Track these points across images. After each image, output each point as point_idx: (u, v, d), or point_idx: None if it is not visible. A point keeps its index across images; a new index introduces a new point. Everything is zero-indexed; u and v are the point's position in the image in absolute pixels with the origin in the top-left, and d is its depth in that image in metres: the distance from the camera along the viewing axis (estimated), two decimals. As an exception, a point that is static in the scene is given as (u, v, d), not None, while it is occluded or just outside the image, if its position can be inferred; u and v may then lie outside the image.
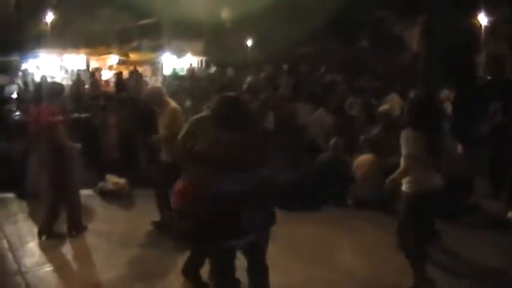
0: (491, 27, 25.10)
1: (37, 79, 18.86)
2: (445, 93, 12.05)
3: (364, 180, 8.11)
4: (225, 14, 25.48)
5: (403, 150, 5.11)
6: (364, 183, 8.08)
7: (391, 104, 10.43)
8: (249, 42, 31.89)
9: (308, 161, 8.95)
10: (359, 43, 24.86)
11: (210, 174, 4.04)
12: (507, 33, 23.91)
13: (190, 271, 5.30)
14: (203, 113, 5.87)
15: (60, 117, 6.76)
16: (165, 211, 6.89)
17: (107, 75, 23.24)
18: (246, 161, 4.00)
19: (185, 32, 27.46)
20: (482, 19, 24.73)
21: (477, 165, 8.54)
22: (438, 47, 17.57)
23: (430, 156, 5.08)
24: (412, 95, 5.50)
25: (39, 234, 6.88)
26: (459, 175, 7.29)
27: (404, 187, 5.21)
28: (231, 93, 4.47)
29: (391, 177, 5.30)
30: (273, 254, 4.52)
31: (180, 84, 17.07)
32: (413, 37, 23.57)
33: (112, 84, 19.53)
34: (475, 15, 23.20)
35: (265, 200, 4.18)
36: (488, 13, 24.75)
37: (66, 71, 24.13)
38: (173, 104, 7.11)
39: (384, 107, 9.54)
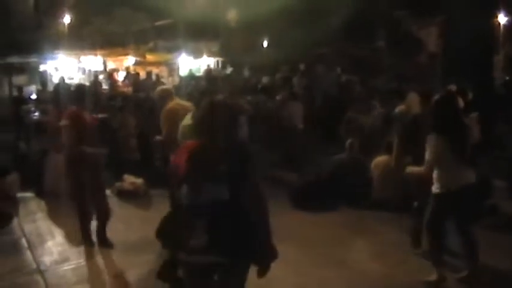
0: (510, 27, 24.90)
1: (55, 80, 19.05)
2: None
3: (380, 182, 8.09)
4: (241, 14, 25.50)
5: (427, 155, 5.14)
6: (381, 184, 8.06)
7: (410, 104, 10.36)
8: (265, 43, 31.92)
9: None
10: (375, 43, 24.76)
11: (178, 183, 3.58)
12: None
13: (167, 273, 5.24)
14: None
15: (67, 122, 6.48)
16: None
17: (123, 76, 23.38)
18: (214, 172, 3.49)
19: (201, 33, 27.54)
20: (502, 19, 24.53)
21: (496, 167, 8.49)
22: (456, 47, 17.46)
23: (458, 155, 5.12)
24: (434, 98, 5.45)
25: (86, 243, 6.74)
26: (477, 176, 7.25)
27: (434, 188, 5.26)
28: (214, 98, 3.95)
29: (412, 169, 5.51)
30: (289, 254, 4.51)
31: (197, 84, 17.12)
32: (430, 37, 23.48)
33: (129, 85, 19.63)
34: (493, 15, 23.01)
35: (246, 225, 3.52)
36: (508, 12, 24.53)
37: (84, 72, 24.38)
38: (172, 103, 6.87)
39: (401, 108, 9.51)
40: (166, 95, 7.15)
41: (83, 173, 6.52)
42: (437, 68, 19.42)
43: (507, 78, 20.38)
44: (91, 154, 6.48)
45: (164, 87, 8.50)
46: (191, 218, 3.50)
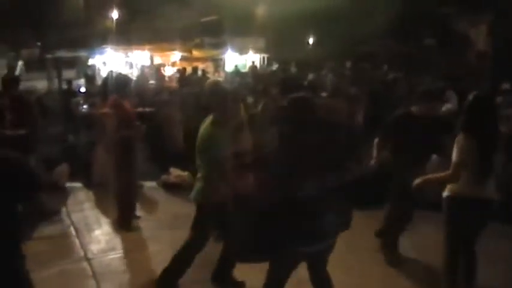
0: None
1: (104, 74, 19.37)
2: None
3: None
4: (287, 11, 25.45)
5: (454, 156, 4.78)
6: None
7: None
8: (311, 40, 31.79)
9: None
10: (423, 41, 24.37)
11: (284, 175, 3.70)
12: None
13: (168, 281, 5.27)
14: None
15: (109, 110, 6.96)
16: None
17: (169, 71, 23.64)
18: (322, 162, 3.72)
19: (247, 29, 27.61)
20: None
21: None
22: (506, 45, 17.10)
23: (482, 163, 4.74)
24: (469, 97, 5.01)
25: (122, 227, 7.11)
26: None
27: (445, 191, 4.95)
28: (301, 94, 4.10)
29: (428, 177, 5.04)
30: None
31: (242, 81, 17.18)
32: (479, 35, 23.00)
33: (175, 79, 19.82)
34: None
35: (342, 202, 3.90)
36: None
37: (131, 66, 24.72)
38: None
39: (447, 107, 9.43)
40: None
41: (124, 157, 6.90)
42: (487, 66, 19.09)
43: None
44: (129, 137, 6.88)
45: (216, 79, 8.29)
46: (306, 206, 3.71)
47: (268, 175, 3.68)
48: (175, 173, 9.18)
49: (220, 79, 15.49)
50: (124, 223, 7.13)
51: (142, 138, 7.75)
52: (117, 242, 6.70)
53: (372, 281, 5.75)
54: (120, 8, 28.57)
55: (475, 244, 4.99)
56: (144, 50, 24.88)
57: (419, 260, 6.29)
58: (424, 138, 5.83)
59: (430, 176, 5.07)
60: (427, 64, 18.91)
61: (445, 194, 4.94)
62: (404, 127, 5.90)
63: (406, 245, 6.47)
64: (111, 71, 18.32)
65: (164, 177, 9.18)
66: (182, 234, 5.83)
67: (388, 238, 6.39)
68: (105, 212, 7.71)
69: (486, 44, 21.86)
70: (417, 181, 4.98)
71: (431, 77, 14.54)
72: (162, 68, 22.20)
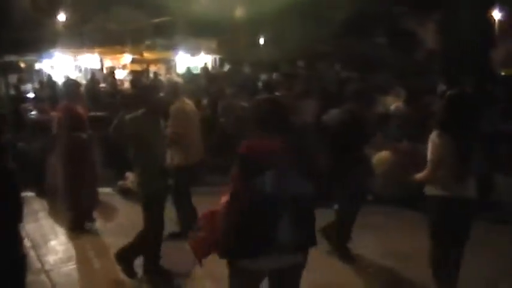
0: (509, 22, 24.98)
1: (53, 78, 18.97)
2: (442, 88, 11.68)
3: (384, 177, 8.05)
4: (239, 11, 25.44)
5: (429, 154, 4.76)
6: (385, 180, 8.02)
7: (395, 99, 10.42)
8: (264, 40, 31.81)
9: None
10: (375, 40, 24.74)
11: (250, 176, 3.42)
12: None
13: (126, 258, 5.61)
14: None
15: (61, 115, 6.97)
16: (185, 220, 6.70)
17: (120, 74, 23.33)
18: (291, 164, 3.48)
19: (199, 31, 27.43)
20: (496, 14, 24.63)
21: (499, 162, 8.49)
22: (454, 43, 17.53)
23: (460, 162, 4.65)
24: (446, 94, 5.02)
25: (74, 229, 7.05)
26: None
27: (428, 189, 4.89)
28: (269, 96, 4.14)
29: (416, 176, 4.97)
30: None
31: (195, 82, 17.07)
32: (427, 33, 23.48)
33: (127, 83, 19.56)
34: (489, 10, 23.06)
35: (310, 211, 3.60)
36: (503, 8, 24.63)
37: (81, 70, 24.31)
38: (179, 103, 6.64)
39: (396, 104, 9.60)
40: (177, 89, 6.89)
41: (76, 162, 6.92)
42: (436, 64, 19.51)
43: (503, 73, 20.46)
44: (81, 140, 6.91)
45: (175, 79, 8.30)
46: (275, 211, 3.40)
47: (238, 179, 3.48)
48: (132, 178, 9.00)
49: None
50: (75, 225, 7.04)
51: (95, 143, 7.63)
52: (76, 251, 6.53)
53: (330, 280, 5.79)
54: (69, 10, 27.95)
55: (464, 245, 4.94)
56: (93, 53, 24.50)
57: (373, 258, 6.34)
58: (363, 137, 6.05)
59: (418, 176, 4.96)
60: (380, 63, 19.16)
61: (427, 192, 4.89)
62: (348, 127, 5.97)
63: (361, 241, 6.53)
64: (50, 76, 18.07)
65: (121, 183, 9.01)
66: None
67: (340, 238, 6.40)
68: (60, 221, 7.51)
69: (434, 42, 22.34)
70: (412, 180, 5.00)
71: (384, 76, 14.75)
72: (113, 72, 21.90)
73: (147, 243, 5.59)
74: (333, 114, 6.29)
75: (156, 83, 15.69)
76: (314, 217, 3.61)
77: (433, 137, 4.75)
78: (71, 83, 7.79)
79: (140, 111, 5.43)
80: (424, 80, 13.86)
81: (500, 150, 8.79)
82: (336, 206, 6.35)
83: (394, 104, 9.80)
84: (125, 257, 5.65)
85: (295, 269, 3.62)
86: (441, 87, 11.01)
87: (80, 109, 7.18)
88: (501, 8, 24.59)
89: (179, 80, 8.79)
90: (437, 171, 4.73)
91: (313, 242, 3.61)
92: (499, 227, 7.20)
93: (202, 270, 5.11)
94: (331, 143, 6.10)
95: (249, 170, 3.38)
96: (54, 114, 7.23)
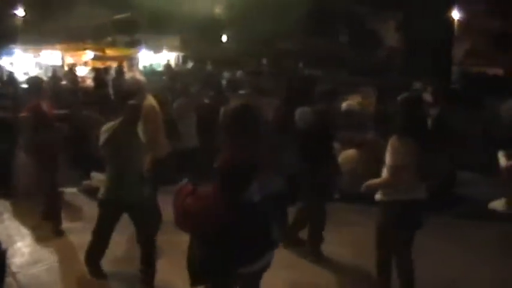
0: (466, 22, 25.52)
1: (14, 76, 18.61)
2: (417, 86, 11.89)
3: (351, 175, 8.17)
4: (202, 8, 25.34)
5: (388, 159, 4.71)
6: (351, 178, 8.13)
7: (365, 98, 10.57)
8: (227, 37, 31.80)
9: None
10: (338, 38, 25.01)
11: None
12: (482, 28, 24.32)
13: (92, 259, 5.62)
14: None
15: (28, 113, 6.91)
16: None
17: (82, 71, 23.01)
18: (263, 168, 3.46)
19: (161, 27, 27.29)
20: (455, 14, 25.12)
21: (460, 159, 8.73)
22: (414, 41, 17.83)
23: (416, 166, 4.64)
24: (400, 98, 4.93)
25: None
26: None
27: (379, 194, 4.91)
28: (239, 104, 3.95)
29: (372, 181, 4.98)
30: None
31: (158, 80, 16.97)
32: (387, 31, 23.86)
33: (89, 80, 19.31)
34: (448, 10, 23.53)
35: (284, 212, 3.65)
36: (461, 8, 25.14)
37: (41, 67, 23.87)
38: (150, 100, 6.60)
39: (348, 103, 9.74)
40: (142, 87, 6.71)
41: (46, 160, 6.88)
42: (397, 62, 19.85)
43: (462, 71, 20.95)
44: (51, 140, 6.89)
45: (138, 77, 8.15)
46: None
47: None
48: (98, 178, 8.91)
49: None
50: (53, 228, 6.96)
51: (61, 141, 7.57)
52: (42, 253, 6.44)
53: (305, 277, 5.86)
54: (29, 6, 27.42)
55: (412, 245, 4.96)
56: (54, 49, 24.12)
57: (344, 254, 6.44)
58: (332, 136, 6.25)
59: (373, 181, 4.98)
60: (342, 61, 19.41)
61: (381, 198, 4.88)
62: (320, 128, 6.06)
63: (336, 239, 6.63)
64: (11, 73, 17.70)
65: (86, 182, 8.92)
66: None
67: (313, 237, 6.46)
68: (27, 222, 7.39)
69: (395, 40, 22.70)
70: (362, 188, 4.97)
71: (346, 74, 14.97)
72: (74, 68, 21.57)
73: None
74: (302, 115, 6.32)
75: (120, 81, 15.55)
76: (287, 217, 3.69)
77: (393, 141, 4.70)
78: (36, 81, 7.69)
79: (118, 121, 5.14)
80: (387, 77, 14.11)
81: (464, 147, 9.08)
82: (301, 205, 6.41)
83: (345, 103, 9.84)
84: (90, 258, 5.65)
85: (266, 268, 3.69)
86: (416, 85, 11.19)
87: (47, 107, 7.11)
88: (459, 8, 25.09)
89: (142, 77, 8.71)
90: (397, 175, 4.67)
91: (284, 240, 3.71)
92: (463, 221, 7.41)
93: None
94: (302, 143, 6.16)
95: (233, 184, 3.33)
96: (24, 113, 7.07)
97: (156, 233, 5.71)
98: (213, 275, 3.47)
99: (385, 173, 4.79)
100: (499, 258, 6.23)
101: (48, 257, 6.32)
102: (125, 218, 5.55)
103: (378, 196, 4.91)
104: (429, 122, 8.25)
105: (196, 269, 3.48)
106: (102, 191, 5.48)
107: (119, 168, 5.26)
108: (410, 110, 4.77)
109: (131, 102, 5.14)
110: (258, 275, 3.72)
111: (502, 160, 7.22)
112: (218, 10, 23.15)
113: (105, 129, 5.18)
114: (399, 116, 4.81)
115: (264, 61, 19.94)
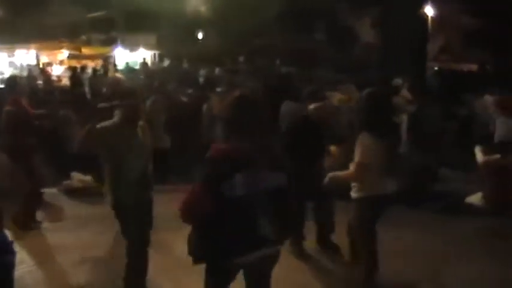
0: (440, 19, 25.84)
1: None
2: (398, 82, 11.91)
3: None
4: (178, 6, 25.25)
5: (356, 156, 4.68)
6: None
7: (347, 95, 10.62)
8: (203, 35, 31.73)
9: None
10: (315, 35, 25.12)
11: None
12: (455, 25, 24.63)
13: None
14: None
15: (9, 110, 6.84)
16: None
17: (58, 70, 22.83)
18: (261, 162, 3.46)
19: (137, 26, 27.14)
20: (429, 11, 25.40)
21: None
22: (390, 37, 17.97)
23: (385, 162, 4.66)
24: (365, 93, 4.89)
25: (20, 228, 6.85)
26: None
27: (353, 192, 4.90)
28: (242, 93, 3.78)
29: (335, 174, 5.02)
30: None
31: (135, 78, 16.91)
32: (363, 27, 24.03)
33: (65, 79, 19.18)
34: (422, 7, 23.76)
35: (284, 206, 3.59)
36: (435, 5, 25.44)
37: (16, 67, 23.58)
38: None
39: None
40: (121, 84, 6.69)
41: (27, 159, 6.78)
42: (373, 58, 19.99)
43: (436, 68, 21.20)
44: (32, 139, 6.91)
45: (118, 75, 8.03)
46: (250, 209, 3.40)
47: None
48: (78, 178, 8.91)
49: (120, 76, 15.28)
50: (22, 225, 6.90)
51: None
52: (24, 254, 6.38)
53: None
54: (2, 4, 27.02)
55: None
56: (29, 48, 23.84)
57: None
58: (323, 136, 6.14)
59: (336, 174, 5.02)
60: (319, 58, 19.50)
61: (356, 194, 4.89)
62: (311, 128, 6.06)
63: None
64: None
65: (66, 182, 8.88)
66: (93, 239, 5.73)
67: (319, 237, 6.46)
68: (7, 224, 7.32)
69: (371, 36, 22.86)
70: (326, 179, 5.00)
71: (324, 71, 15.05)
72: (49, 67, 21.42)
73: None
74: (293, 114, 6.32)
75: (102, 80, 15.53)
76: (287, 212, 3.63)
77: (362, 138, 4.68)
78: (14, 80, 7.67)
79: (115, 120, 4.83)
80: (366, 74, 14.20)
81: (444, 144, 9.24)
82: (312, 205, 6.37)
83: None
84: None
85: (269, 260, 3.69)
86: (396, 81, 11.26)
87: (27, 105, 7.15)
88: (433, 5, 25.37)
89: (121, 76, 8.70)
90: (360, 172, 4.67)
91: (286, 236, 3.79)
92: (444, 216, 7.54)
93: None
94: (290, 142, 6.17)
95: (220, 173, 3.34)
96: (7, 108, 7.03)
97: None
98: (206, 260, 3.55)
99: (351, 168, 4.81)
100: (476, 253, 6.35)
101: (31, 258, 6.28)
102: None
103: (352, 193, 4.94)
104: (406, 118, 8.51)
105: (192, 252, 3.55)
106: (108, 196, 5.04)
107: (120, 170, 4.81)
108: (374, 106, 4.74)
109: (131, 101, 4.77)
110: (260, 269, 3.72)
111: (479, 155, 7.35)
112: (194, 8, 23.06)
113: (100, 130, 4.71)
114: (363, 112, 4.79)
115: (241, 59, 19.92)
